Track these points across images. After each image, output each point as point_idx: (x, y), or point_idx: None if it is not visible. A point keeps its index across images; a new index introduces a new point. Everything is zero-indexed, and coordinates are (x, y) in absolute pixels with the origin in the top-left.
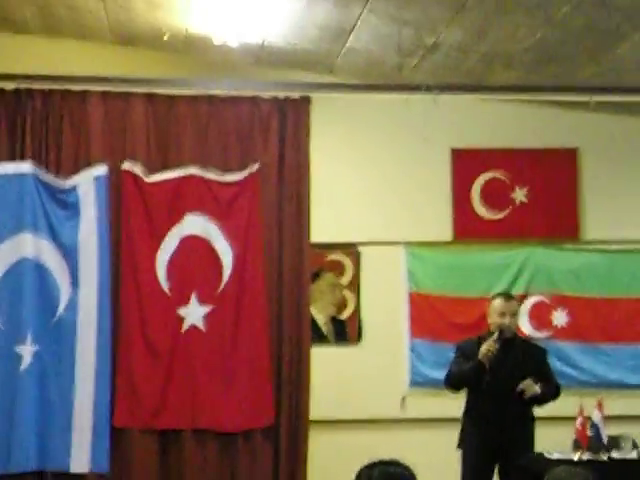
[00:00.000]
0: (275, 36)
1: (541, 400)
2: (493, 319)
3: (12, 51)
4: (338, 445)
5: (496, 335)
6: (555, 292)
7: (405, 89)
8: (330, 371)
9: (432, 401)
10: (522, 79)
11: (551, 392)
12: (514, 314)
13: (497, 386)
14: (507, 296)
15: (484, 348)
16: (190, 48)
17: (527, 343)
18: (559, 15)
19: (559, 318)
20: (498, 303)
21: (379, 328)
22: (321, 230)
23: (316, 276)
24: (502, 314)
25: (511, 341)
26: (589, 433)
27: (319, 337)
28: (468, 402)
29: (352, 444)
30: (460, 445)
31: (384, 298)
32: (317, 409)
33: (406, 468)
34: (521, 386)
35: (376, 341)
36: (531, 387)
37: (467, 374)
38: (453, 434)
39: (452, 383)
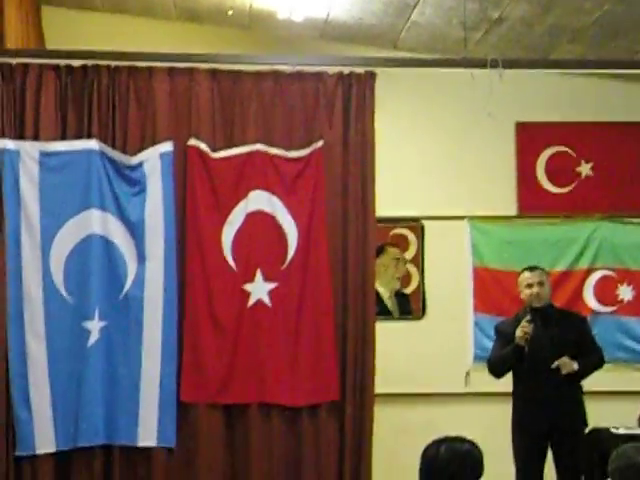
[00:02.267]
0: (339, 10)
1: (582, 374)
2: (523, 292)
3: (79, 28)
4: (402, 419)
5: (529, 316)
6: (620, 267)
7: (470, 64)
8: (394, 346)
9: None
10: (588, 53)
11: (593, 363)
12: (541, 283)
13: (539, 364)
14: (532, 267)
15: (519, 331)
16: (254, 23)
17: (564, 313)
18: None
19: (624, 292)
20: (524, 275)
21: (443, 303)
22: (385, 204)
23: (380, 251)
24: (529, 285)
25: (547, 313)
26: None
27: (383, 311)
28: (516, 382)
29: (416, 418)
30: (513, 425)
31: (448, 273)
32: (381, 383)
33: (473, 445)
34: (557, 363)
35: (440, 316)
36: (567, 364)
37: (505, 360)
38: None
39: (493, 369)
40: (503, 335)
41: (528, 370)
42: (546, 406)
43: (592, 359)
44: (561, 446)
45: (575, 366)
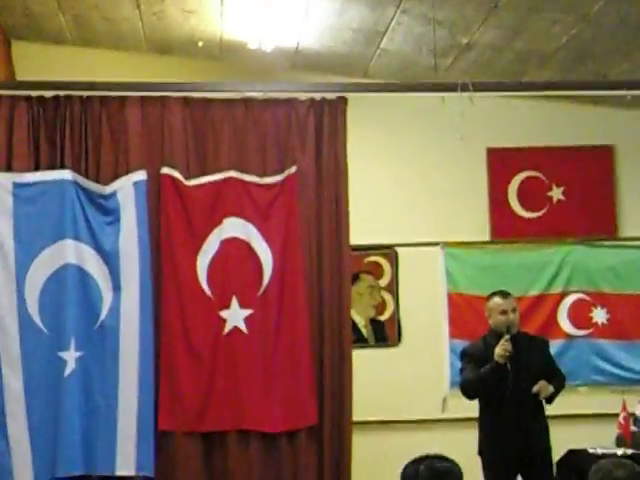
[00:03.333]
0: (310, 39)
1: (554, 397)
2: (495, 318)
3: (50, 62)
4: (381, 447)
5: (507, 335)
6: (594, 290)
7: (441, 88)
8: (371, 373)
9: (473, 401)
10: (557, 77)
11: (560, 384)
12: (514, 310)
13: (514, 386)
14: (504, 293)
15: (499, 349)
16: (225, 54)
17: (530, 337)
18: (592, 12)
19: (599, 316)
20: (497, 301)
21: (418, 329)
22: (358, 232)
23: (355, 278)
24: (504, 312)
25: (516, 338)
26: (633, 428)
27: (359, 339)
28: (483, 408)
29: (394, 445)
30: (480, 452)
31: (423, 299)
32: (359, 411)
33: (453, 463)
34: (536, 388)
35: (416, 342)
36: (545, 388)
37: (486, 378)
38: None
39: (470, 390)
40: (474, 358)
41: (502, 397)
42: (518, 432)
43: (559, 380)
44: (532, 472)
45: (551, 389)
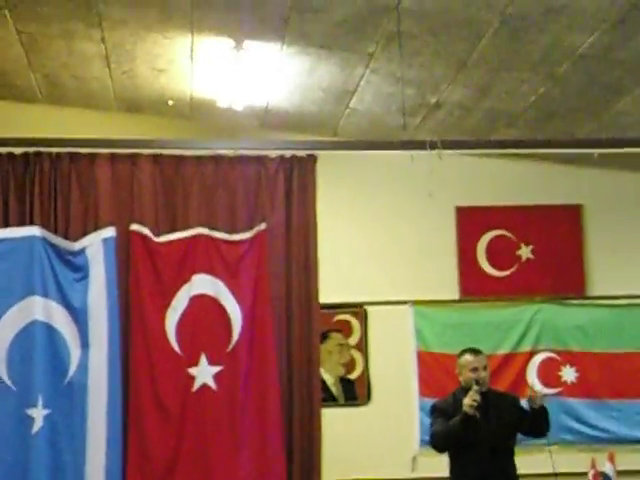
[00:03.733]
0: (279, 98)
1: (543, 416)
2: (465, 375)
3: (19, 119)
4: None
5: (475, 387)
6: (563, 348)
7: (410, 146)
8: (340, 431)
9: (443, 460)
10: (525, 136)
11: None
12: (485, 367)
13: (484, 441)
14: (475, 351)
15: (468, 400)
16: (195, 113)
17: (499, 394)
18: (560, 71)
19: (568, 374)
20: (468, 359)
21: (388, 387)
22: (327, 290)
23: (324, 337)
24: (474, 369)
25: (486, 397)
26: None
27: (328, 397)
28: (454, 463)
29: None
30: None
31: (392, 357)
32: (328, 469)
33: None
34: (529, 393)
35: (385, 401)
36: (540, 397)
37: (455, 429)
38: None
39: (439, 441)
40: (443, 412)
41: (470, 450)
42: None
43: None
44: None
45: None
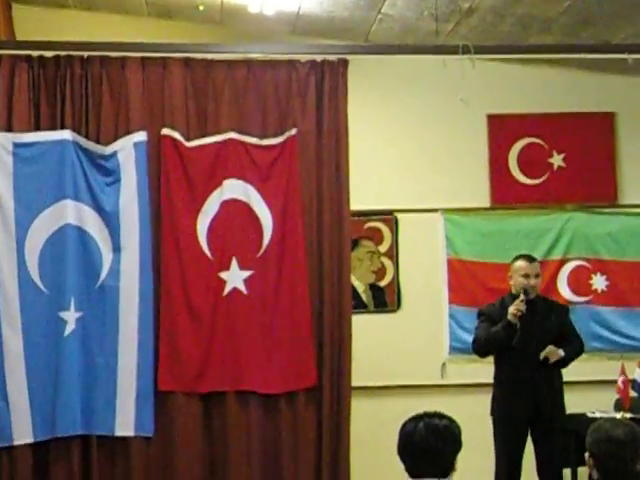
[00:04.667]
0: (311, 4)
1: (567, 361)
2: (516, 280)
3: (51, 25)
4: (379, 412)
5: (522, 295)
6: (594, 257)
7: (442, 51)
8: (370, 338)
9: (472, 367)
10: (558, 43)
11: (575, 350)
12: (537, 275)
13: (526, 347)
14: (529, 257)
15: (513, 308)
16: (226, 18)
17: (549, 302)
18: None
19: (598, 282)
20: (521, 264)
21: (418, 295)
22: (358, 198)
23: (354, 244)
24: (526, 275)
25: (534, 302)
26: (631, 393)
27: (359, 305)
28: (498, 368)
29: (393, 411)
30: (493, 412)
31: (422, 265)
32: (358, 376)
33: (451, 420)
34: (544, 353)
35: (415, 308)
36: (554, 353)
37: (497, 335)
38: None
39: (481, 347)
40: (488, 317)
41: (513, 357)
42: (529, 393)
43: (575, 346)
44: (541, 432)
45: (561, 352)
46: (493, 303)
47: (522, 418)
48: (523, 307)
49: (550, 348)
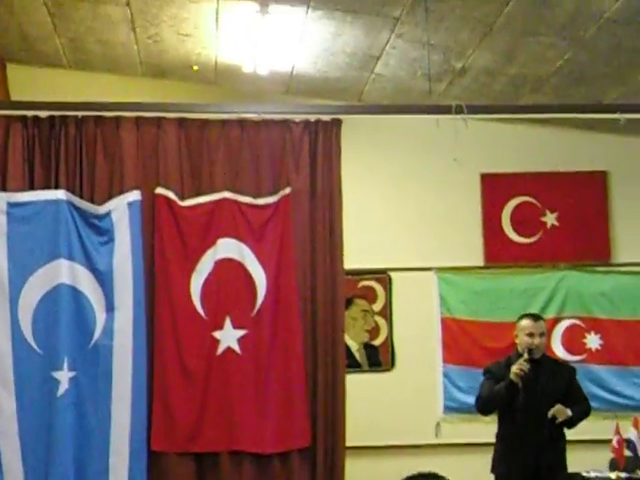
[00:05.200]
0: (304, 64)
1: (574, 421)
2: (521, 339)
3: (45, 85)
4: (373, 471)
5: (526, 355)
6: (588, 315)
7: (435, 110)
8: (364, 397)
9: (466, 426)
10: (551, 102)
11: (583, 411)
12: (542, 334)
13: (530, 407)
14: (535, 316)
15: (515, 368)
16: (220, 78)
17: (556, 363)
18: (586, 36)
19: (592, 341)
20: (526, 323)
21: (412, 354)
22: (352, 256)
23: (348, 303)
24: (531, 334)
25: (540, 362)
26: (626, 452)
27: (352, 364)
28: (501, 426)
29: (387, 470)
30: (493, 470)
31: (416, 324)
32: (352, 436)
33: None
34: (552, 412)
35: (409, 367)
36: (562, 412)
37: (499, 394)
38: (488, 459)
39: (483, 405)
40: (494, 376)
41: (517, 416)
42: (532, 452)
43: (583, 407)
44: None
45: (569, 412)
46: (499, 361)
47: (523, 476)
48: (526, 367)
49: (558, 407)
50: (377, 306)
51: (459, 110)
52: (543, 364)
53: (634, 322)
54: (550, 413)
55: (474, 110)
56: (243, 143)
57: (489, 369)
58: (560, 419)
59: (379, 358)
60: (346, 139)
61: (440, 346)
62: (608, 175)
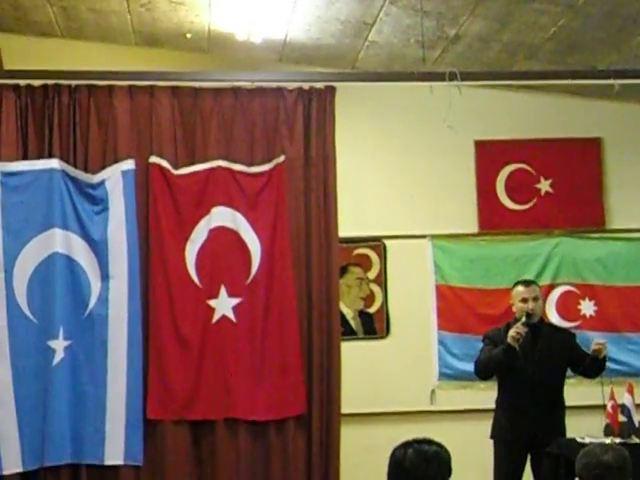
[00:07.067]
0: (298, 32)
1: (602, 366)
2: (517, 306)
3: (38, 54)
4: (368, 439)
5: (524, 319)
6: (582, 282)
7: (429, 77)
8: (359, 365)
9: (461, 393)
10: (545, 69)
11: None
12: (536, 298)
13: (529, 373)
14: (527, 282)
15: (512, 331)
16: (213, 46)
17: (555, 328)
18: (580, 2)
19: (586, 308)
20: (519, 290)
21: (407, 321)
22: (346, 224)
23: (343, 271)
24: (524, 300)
25: (539, 327)
26: (621, 417)
27: (348, 331)
28: (500, 392)
29: (382, 437)
30: (493, 435)
31: (411, 291)
32: (347, 403)
33: (441, 446)
34: (594, 346)
35: (404, 334)
36: (604, 346)
37: (496, 358)
38: (483, 425)
39: (481, 369)
40: (491, 341)
41: (516, 381)
42: (530, 417)
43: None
44: (540, 457)
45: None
46: (499, 327)
47: (522, 442)
48: (523, 330)
49: (598, 342)
50: (372, 274)
51: (453, 77)
52: (542, 329)
53: (628, 288)
54: (592, 348)
55: (468, 77)
56: (237, 111)
57: (488, 335)
58: (603, 353)
59: (374, 326)
60: (340, 107)
61: (435, 313)
62: (602, 141)
